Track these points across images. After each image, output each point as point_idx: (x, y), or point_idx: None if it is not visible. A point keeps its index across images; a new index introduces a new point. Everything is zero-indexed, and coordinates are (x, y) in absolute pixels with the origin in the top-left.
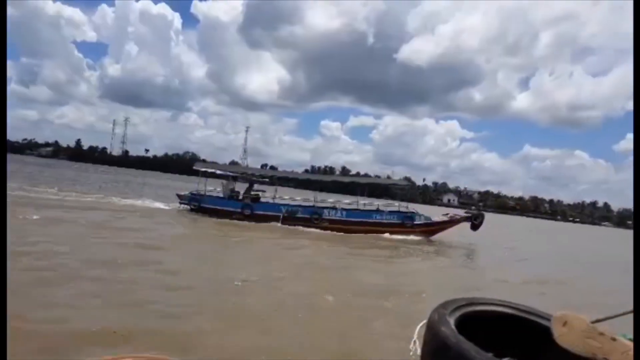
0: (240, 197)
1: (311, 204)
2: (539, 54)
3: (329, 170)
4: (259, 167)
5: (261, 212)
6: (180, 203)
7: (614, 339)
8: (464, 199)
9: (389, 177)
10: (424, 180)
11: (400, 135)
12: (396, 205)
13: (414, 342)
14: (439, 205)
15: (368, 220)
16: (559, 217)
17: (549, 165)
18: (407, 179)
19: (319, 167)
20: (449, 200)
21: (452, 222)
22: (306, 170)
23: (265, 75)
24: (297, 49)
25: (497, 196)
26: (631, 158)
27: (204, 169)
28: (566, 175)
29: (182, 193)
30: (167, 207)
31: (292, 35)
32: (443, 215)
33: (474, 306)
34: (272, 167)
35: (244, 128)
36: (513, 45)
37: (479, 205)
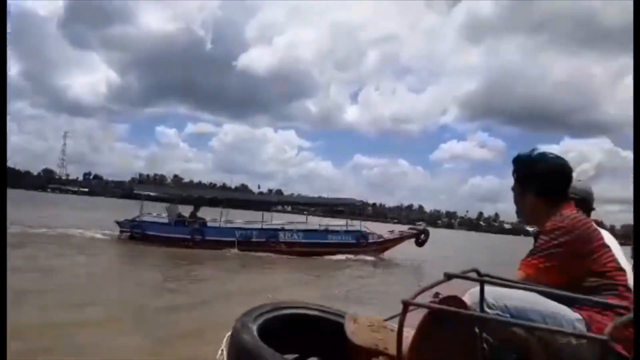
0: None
1: (264, 226)
2: (366, 70)
3: (159, 179)
4: (81, 175)
5: (213, 238)
6: (121, 231)
7: (392, 330)
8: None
9: (224, 185)
10: (259, 187)
11: (240, 143)
12: (342, 224)
13: (221, 351)
14: (274, 211)
15: (325, 241)
16: (379, 219)
17: (377, 172)
18: (245, 186)
19: (148, 176)
20: (283, 207)
21: (402, 238)
22: (133, 179)
23: (91, 77)
24: (129, 51)
25: (305, 198)
26: (445, 165)
27: (145, 192)
28: (391, 182)
29: (121, 220)
30: (103, 237)
31: (123, 35)
32: (389, 232)
33: (279, 311)
34: (97, 177)
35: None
36: (343, 61)
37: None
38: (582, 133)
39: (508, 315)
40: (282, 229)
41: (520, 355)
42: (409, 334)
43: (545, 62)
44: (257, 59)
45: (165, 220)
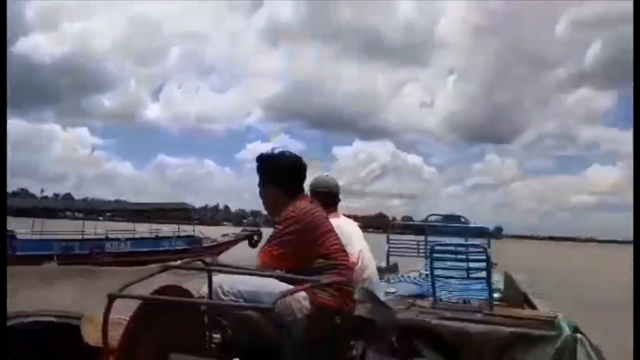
0: None
1: (88, 236)
2: (169, 67)
3: None
4: None
5: (26, 253)
6: None
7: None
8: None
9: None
10: (42, 191)
11: (20, 141)
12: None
13: None
14: (61, 218)
15: (156, 249)
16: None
17: (181, 172)
18: (25, 190)
19: None
20: (73, 213)
21: (236, 241)
22: None
23: None
24: None
25: (130, 204)
26: (248, 165)
27: None
28: (196, 182)
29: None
30: None
31: None
32: (223, 235)
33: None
34: None
35: None
36: (144, 56)
37: (107, 215)
38: (370, 136)
39: (242, 300)
40: (107, 239)
41: (254, 337)
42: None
43: (339, 70)
44: (40, 46)
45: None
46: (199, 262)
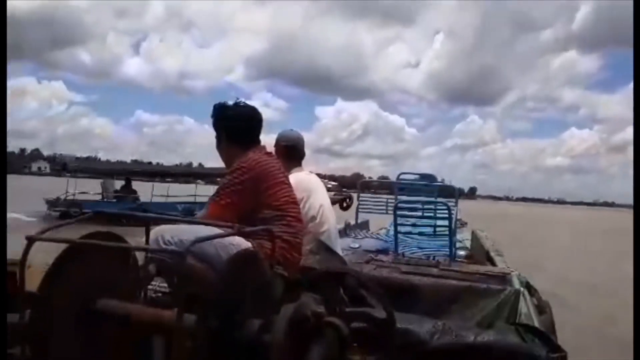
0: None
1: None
2: (150, 20)
3: None
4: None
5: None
6: (57, 211)
7: None
8: (59, 166)
9: None
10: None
11: None
12: None
13: None
14: (27, 174)
15: None
16: (157, 179)
17: (160, 130)
18: None
19: None
20: (39, 169)
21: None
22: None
23: None
24: None
25: (100, 162)
26: None
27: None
28: (176, 140)
29: (51, 198)
30: (29, 218)
31: None
32: None
33: None
34: None
35: None
36: (124, 8)
37: (76, 173)
38: (353, 96)
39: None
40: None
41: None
42: None
43: (325, 28)
44: None
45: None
46: (138, 212)
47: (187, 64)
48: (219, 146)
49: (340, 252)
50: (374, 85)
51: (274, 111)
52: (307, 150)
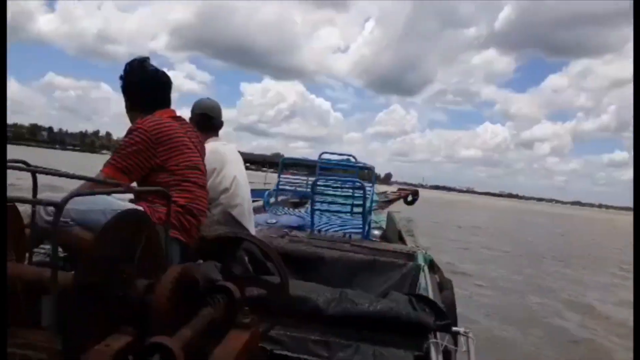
0: None
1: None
2: None
3: None
4: None
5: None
6: None
7: None
8: None
9: None
10: None
11: None
12: None
13: None
14: None
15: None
16: (57, 147)
17: (74, 95)
18: None
19: None
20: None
21: (399, 197)
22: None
23: None
24: None
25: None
26: None
27: None
28: (91, 107)
29: None
30: None
31: None
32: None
33: None
34: None
35: None
36: None
37: None
38: (281, 75)
39: (69, 220)
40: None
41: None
42: None
43: (256, 4)
44: None
45: None
46: (22, 164)
47: (108, 28)
48: (127, 109)
49: (253, 226)
50: (302, 67)
51: (197, 84)
52: (229, 128)
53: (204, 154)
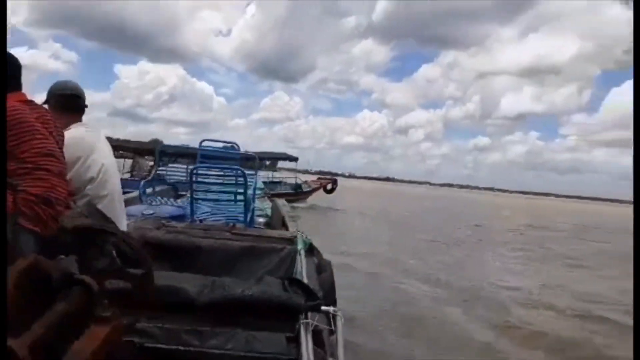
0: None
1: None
2: None
3: None
4: None
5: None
6: None
7: None
8: None
9: None
10: None
11: None
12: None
13: None
14: None
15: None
16: None
17: None
18: None
19: None
20: None
21: (319, 187)
22: None
23: None
24: None
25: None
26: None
27: None
28: None
29: None
30: None
31: None
32: (311, 181)
33: None
34: None
35: None
36: None
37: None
38: (160, 58)
39: None
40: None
41: None
42: None
43: None
44: None
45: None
46: None
47: None
48: None
49: (124, 219)
50: (183, 49)
51: (63, 63)
52: (102, 113)
53: (62, 139)
